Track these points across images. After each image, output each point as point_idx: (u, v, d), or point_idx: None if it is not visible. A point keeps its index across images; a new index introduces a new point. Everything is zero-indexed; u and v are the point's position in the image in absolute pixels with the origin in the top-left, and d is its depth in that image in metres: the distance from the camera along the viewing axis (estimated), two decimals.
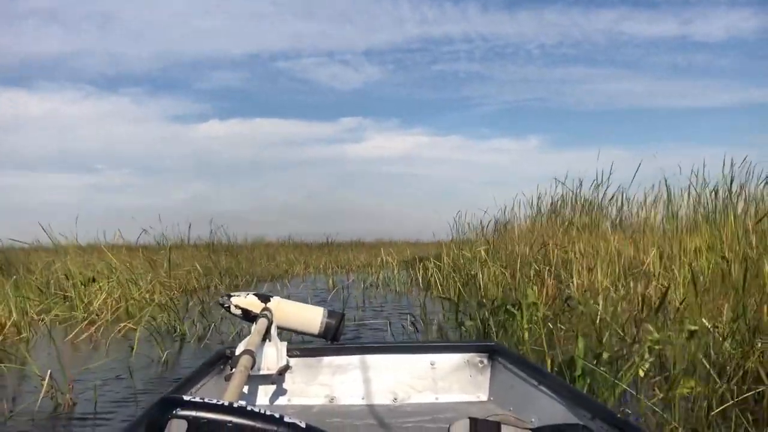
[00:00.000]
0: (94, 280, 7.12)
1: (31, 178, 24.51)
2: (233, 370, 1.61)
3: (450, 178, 35.58)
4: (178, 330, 5.32)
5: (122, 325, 5.47)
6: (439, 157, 36.17)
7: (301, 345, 2.10)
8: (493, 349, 2.12)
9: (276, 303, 2.09)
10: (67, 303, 6.55)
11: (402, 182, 34.80)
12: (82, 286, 6.94)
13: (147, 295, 6.95)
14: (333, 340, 2.12)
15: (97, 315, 6.14)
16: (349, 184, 32.63)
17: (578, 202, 8.26)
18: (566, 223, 7.79)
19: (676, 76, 31.26)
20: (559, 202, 8.70)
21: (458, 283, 6.69)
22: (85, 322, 5.85)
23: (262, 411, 0.74)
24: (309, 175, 33.13)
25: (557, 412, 1.65)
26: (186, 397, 0.85)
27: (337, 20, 30.90)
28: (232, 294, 2.16)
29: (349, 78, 31.90)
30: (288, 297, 2.22)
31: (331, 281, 10.18)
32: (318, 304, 2.43)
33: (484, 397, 2.10)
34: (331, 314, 2.13)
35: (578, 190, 8.22)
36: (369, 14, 31.00)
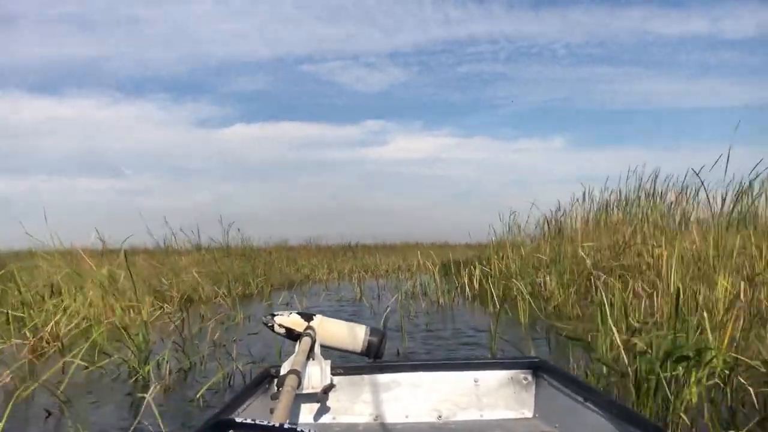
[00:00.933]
0: (55, 293, 5.92)
1: (61, 182, 25.75)
2: (279, 389, 1.62)
3: (475, 178, 35.36)
4: (139, 372, 3.78)
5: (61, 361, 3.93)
6: (464, 158, 35.57)
7: (345, 363, 2.07)
8: (538, 365, 2.04)
9: (319, 321, 2.08)
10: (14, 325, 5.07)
11: (427, 184, 35.24)
12: (45, 300, 5.69)
13: (132, 312, 5.91)
14: (376, 357, 2.07)
15: (47, 342, 4.85)
16: (374, 186, 33.14)
17: (649, 198, 7.62)
18: (641, 221, 7.03)
19: (706, 75, 30.14)
20: (623, 199, 7.96)
21: (525, 295, 5.90)
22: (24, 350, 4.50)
23: (309, 431, 0.74)
24: (334, 178, 33.21)
25: (604, 428, 1.58)
26: (238, 419, 0.90)
27: (362, 23, 31.04)
28: (275, 313, 2.15)
29: (374, 80, 31.85)
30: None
31: (358, 289, 9.20)
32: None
33: (529, 414, 2.04)
34: (373, 332, 2.10)
35: (646, 185, 7.67)
36: (393, 16, 30.58)
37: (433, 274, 8.74)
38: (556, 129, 37.04)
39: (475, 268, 8.17)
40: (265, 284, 9.84)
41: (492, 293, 6.18)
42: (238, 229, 12.77)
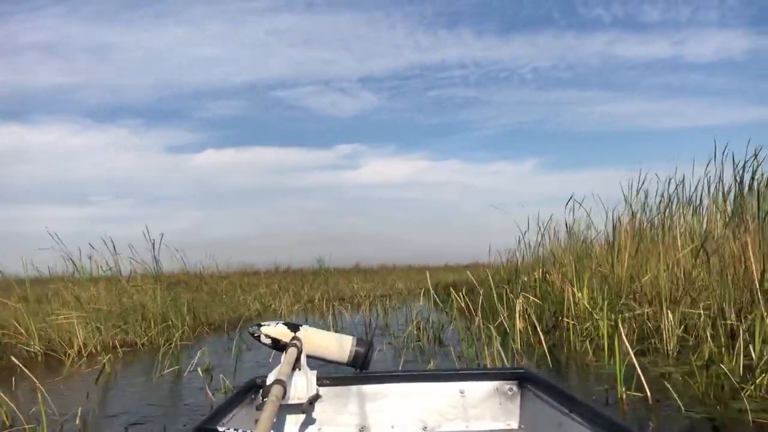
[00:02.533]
0: None
1: (27, 210, 25.51)
2: (264, 399, 1.68)
3: (450, 202, 37.19)
4: None
5: None
6: (438, 181, 37.92)
7: (331, 374, 2.19)
8: (523, 376, 2.17)
9: (305, 332, 2.21)
10: None
11: (402, 207, 36.85)
12: None
13: None
14: (362, 368, 2.22)
15: None
16: (348, 210, 34.55)
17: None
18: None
19: (670, 97, 32.44)
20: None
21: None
22: None
23: None
24: (308, 203, 35.33)
25: None
26: (220, 428, 0.95)
27: (334, 48, 32.81)
28: (262, 324, 2.26)
29: (346, 105, 33.17)
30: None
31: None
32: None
33: (514, 425, 2.14)
34: (360, 342, 2.24)
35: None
36: (365, 42, 32.45)
37: (428, 300, 7.52)
38: (527, 152, 37.51)
39: (512, 294, 5.99)
40: (197, 323, 8.11)
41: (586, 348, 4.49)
42: (177, 250, 11.07)
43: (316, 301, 12.37)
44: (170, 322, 7.11)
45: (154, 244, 9.61)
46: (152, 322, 6.91)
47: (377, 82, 34.32)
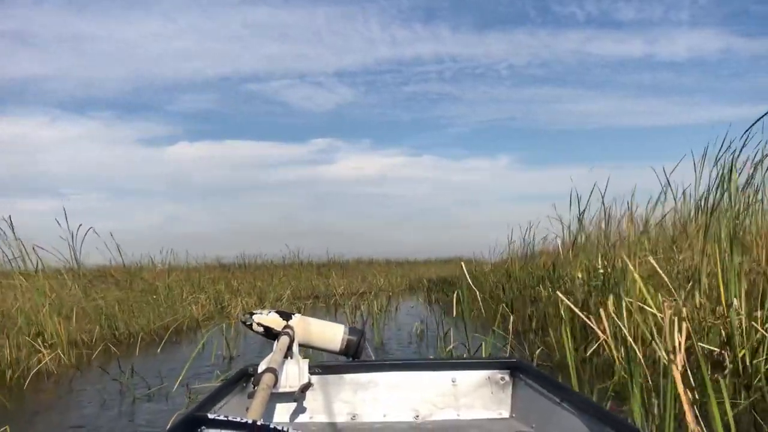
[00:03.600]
0: None
1: None
2: (256, 388, 1.70)
3: (425, 197, 36.25)
4: None
5: None
6: (413, 176, 36.83)
7: (323, 362, 2.25)
8: (515, 365, 2.24)
9: (297, 320, 2.26)
10: None
11: (377, 202, 35.82)
12: None
13: None
14: (354, 357, 2.29)
15: None
16: (323, 204, 33.52)
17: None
18: None
19: (643, 95, 31.71)
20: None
21: None
22: None
23: (285, 429, 0.78)
24: (282, 196, 34.49)
25: (580, 429, 1.73)
26: (210, 416, 0.84)
27: (310, 42, 32.23)
28: (254, 312, 2.29)
29: (322, 99, 32.48)
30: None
31: None
32: None
33: (506, 414, 2.19)
34: (352, 331, 2.30)
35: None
36: (341, 36, 31.64)
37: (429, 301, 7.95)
38: (502, 148, 38.52)
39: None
40: (103, 333, 6.23)
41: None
42: (118, 246, 10.03)
43: (285, 299, 11.05)
44: (43, 336, 4.68)
45: (74, 234, 7.66)
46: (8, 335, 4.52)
47: (353, 77, 34.21)
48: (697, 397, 2.69)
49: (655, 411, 2.64)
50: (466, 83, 33.09)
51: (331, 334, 2.24)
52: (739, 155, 4.81)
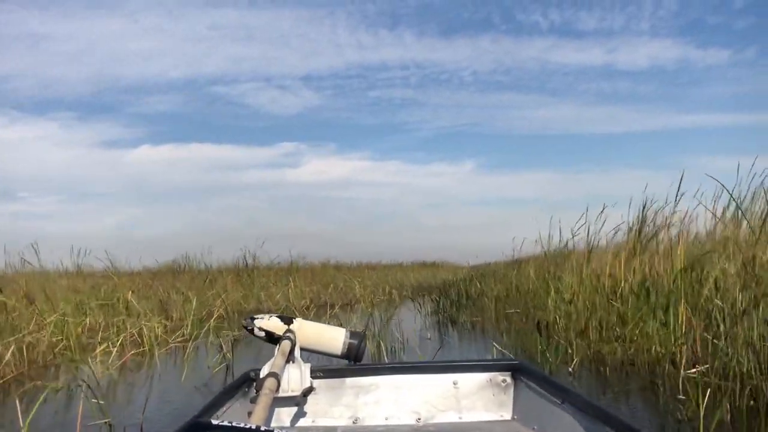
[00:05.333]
0: None
1: None
2: (258, 392, 1.73)
3: (390, 201, 38.10)
4: None
5: None
6: (378, 181, 38.56)
7: (324, 366, 2.32)
8: (516, 367, 2.29)
9: (299, 324, 2.31)
10: None
11: (342, 206, 37.34)
12: None
13: None
14: (355, 360, 2.33)
15: None
16: (288, 208, 33.68)
17: None
18: None
19: (603, 103, 34.12)
20: None
21: None
22: None
23: None
24: (247, 200, 33.83)
25: (582, 430, 1.78)
26: (214, 421, 0.85)
27: (276, 45, 32.91)
28: (255, 317, 2.33)
29: (288, 103, 33.36)
30: None
31: None
32: None
33: (507, 416, 2.22)
34: (353, 335, 2.34)
35: None
36: (307, 40, 32.65)
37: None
38: (466, 153, 38.84)
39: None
40: None
41: None
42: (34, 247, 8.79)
43: (213, 319, 7.90)
44: None
45: None
46: None
47: (319, 81, 34.80)
48: None
49: None
50: (430, 88, 34.75)
51: (332, 337, 2.30)
52: None
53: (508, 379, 2.18)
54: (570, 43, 32.60)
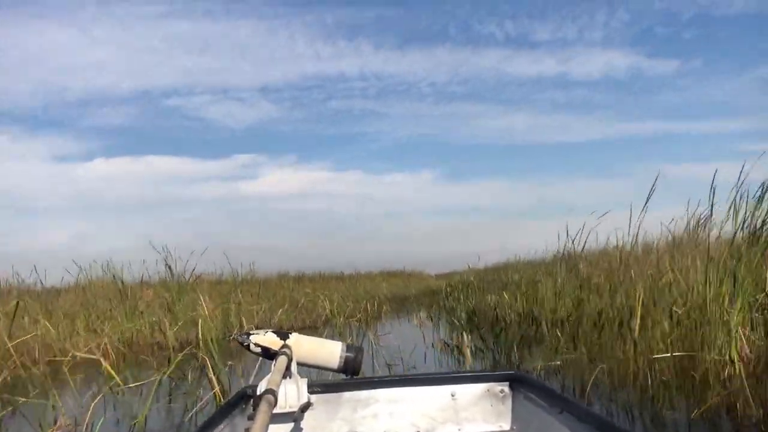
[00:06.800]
0: None
1: None
2: (255, 409, 1.69)
3: (350, 212, 34.36)
4: None
5: None
6: (338, 192, 35.11)
7: (321, 381, 2.33)
8: (514, 377, 2.27)
9: (295, 339, 2.29)
10: None
11: (301, 218, 33.54)
12: None
13: None
14: (353, 374, 2.31)
15: None
16: (244, 221, 30.96)
17: None
18: None
19: (557, 112, 29.74)
20: None
21: None
22: None
23: None
24: (203, 213, 31.25)
25: None
26: None
27: (232, 57, 27.18)
28: (250, 332, 2.31)
29: (244, 115, 28.14)
30: None
31: None
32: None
33: (506, 427, 2.20)
34: (350, 348, 2.31)
35: None
36: (264, 51, 27.78)
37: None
38: (424, 163, 35.78)
39: None
40: None
41: None
42: None
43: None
44: None
45: None
46: None
47: (277, 92, 33.69)
48: None
49: None
50: (389, 99, 34.69)
51: (329, 352, 2.28)
52: None
53: (506, 390, 2.17)
54: (525, 54, 33.95)
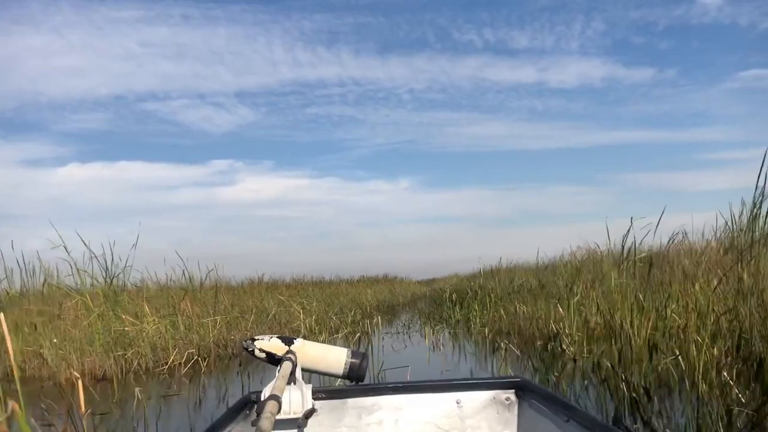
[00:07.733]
0: None
1: None
2: (260, 415, 1.73)
3: (328, 219, 34.30)
4: None
5: None
6: (316, 199, 34.71)
7: (326, 387, 2.36)
8: (520, 384, 2.31)
9: (300, 345, 2.33)
10: None
11: (279, 225, 32.71)
12: None
13: None
14: (357, 380, 2.37)
15: None
16: (221, 227, 30.31)
17: None
18: None
19: (535, 120, 30.93)
20: None
21: None
22: None
23: None
24: (179, 219, 30.63)
25: None
26: None
27: (209, 62, 30.40)
28: (255, 338, 2.34)
29: (222, 120, 30.01)
30: None
31: None
32: None
33: None
34: (354, 354, 2.37)
35: None
36: (242, 56, 29.20)
37: None
38: (402, 171, 36.61)
39: None
40: None
41: None
42: None
43: None
44: None
45: None
46: None
47: (254, 98, 33.28)
48: None
49: None
50: (368, 106, 34.89)
51: (334, 358, 2.32)
52: None
53: (512, 397, 2.21)
54: (503, 62, 33.73)
